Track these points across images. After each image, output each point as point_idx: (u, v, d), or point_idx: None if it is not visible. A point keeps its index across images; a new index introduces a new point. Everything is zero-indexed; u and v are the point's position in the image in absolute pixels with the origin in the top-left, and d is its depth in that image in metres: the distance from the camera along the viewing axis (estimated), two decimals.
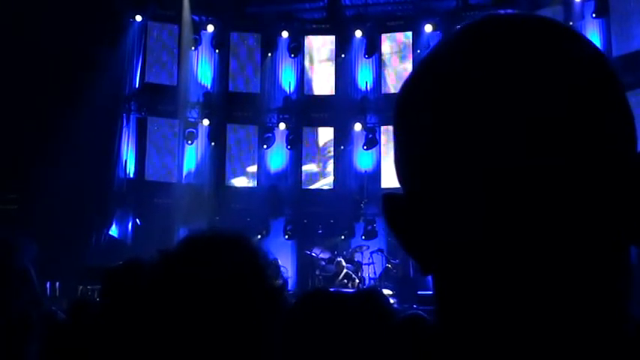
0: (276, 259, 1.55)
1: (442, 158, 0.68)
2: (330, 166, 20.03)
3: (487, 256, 0.66)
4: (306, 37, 20.25)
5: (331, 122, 20.02)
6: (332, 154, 19.98)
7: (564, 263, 0.64)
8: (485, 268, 0.66)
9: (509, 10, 0.73)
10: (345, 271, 14.98)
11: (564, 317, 0.64)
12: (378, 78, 19.90)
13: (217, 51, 19.65)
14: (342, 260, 15.37)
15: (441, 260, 0.71)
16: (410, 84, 0.76)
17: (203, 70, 19.65)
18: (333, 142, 19.97)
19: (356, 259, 16.26)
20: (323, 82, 20.40)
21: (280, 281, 1.49)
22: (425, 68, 0.75)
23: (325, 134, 20.18)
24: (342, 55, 20.03)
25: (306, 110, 19.88)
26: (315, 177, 20.08)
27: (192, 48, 19.21)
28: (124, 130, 18.26)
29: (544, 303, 0.64)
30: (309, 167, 20.05)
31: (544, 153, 0.63)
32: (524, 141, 0.64)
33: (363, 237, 18.07)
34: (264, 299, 1.43)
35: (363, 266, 16.17)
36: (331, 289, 2.16)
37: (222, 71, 19.90)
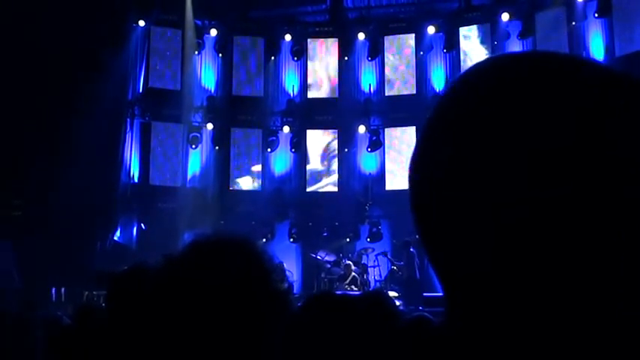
0: (282, 263, 1.56)
1: (456, 195, 0.70)
2: (335, 166, 20.03)
3: (496, 285, 0.68)
4: (309, 40, 20.26)
5: (335, 125, 20.03)
6: (336, 155, 19.97)
7: (569, 290, 0.66)
8: (494, 296, 0.68)
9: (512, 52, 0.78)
10: (353, 274, 14.98)
11: (568, 341, 0.66)
12: (382, 80, 19.91)
13: (220, 55, 19.68)
14: (351, 264, 15.35)
15: (454, 287, 0.74)
16: (426, 130, 0.79)
17: (206, 74, 19.68)
18: (337, 144, 19.97)
19: (362, 262, 16.26)
20: (327, 84, 20.41)
21: (285, 285, 1.49)
22: (435, 117, 0.78)
23: (329, 137, 20.18)
24: (345, 58, 20.04)
25: (310, 113, 19.89)
26: (319, 175, 20.07)
27: (196, 52, 19.24)
28: (127, 134, 18.28)
29: (550, 325, 0.66)
30: (313, 166, 20.05)
31: (548, 184, 0.65)
32: (527, 173, 0.66)
33: (368, 239, 18.07)
34: (270, 303, 1.43)
35: (369, 268, 16.17)
36: (337, 292, 2.17)
37: (225, 75, 19.92)
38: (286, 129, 19.52)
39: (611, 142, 0.66)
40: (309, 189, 19.88)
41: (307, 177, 19.96)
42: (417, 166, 0.77)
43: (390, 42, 20.04)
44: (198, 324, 1.35)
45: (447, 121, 0.75)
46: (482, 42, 18.89)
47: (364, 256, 16.62)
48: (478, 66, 0.77)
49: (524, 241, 0.66)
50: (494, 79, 0.73)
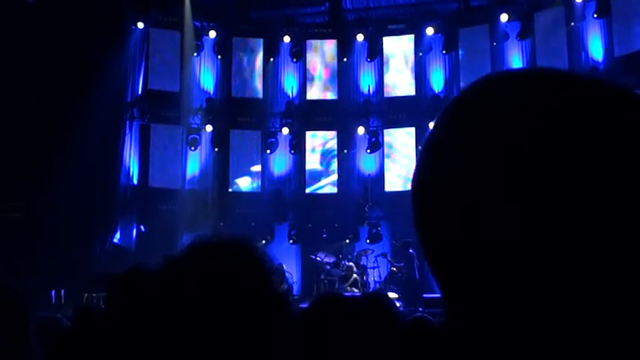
0: (282, 264, 1.55)
1: (460, 206, 0.71)
2: (334, 167, 20.03)
3: (499, 293, 0.68)
4: (308, 42, 20.27)
5: (334, 126, 20.03)
6: (335, 157, 19.98)
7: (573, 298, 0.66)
8: (497, 303, 0.69)
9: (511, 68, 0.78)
10: (354, 275, 14.97)
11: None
12: (381, 81, 19.92)
13: (219, 56, 19.68)
14: (353, 265, 15.35)
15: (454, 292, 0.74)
16: (428, 148, 0.78)
17: (205, 75, 19.67)
18: (336, 145, 19.98)
19: (361, 263, 16.26)
20: (326, 86, 20.42)
21: (285, 286, 1.49)
22: (437, 138, 0.78)
23: (328, 138, 20.18)
24: (345, 59, 20.04)
25: (309, 114, 19.89)
26: (318, 177, 20.07)
27: (195, 54, 19.24)
28: (127, 136, 18.28)
29: (552, 334, 0.67)
30: (312, 167, 20.05)
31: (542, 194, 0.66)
32: (523, 187, 0.67)
33: (368, 240, 18.07)
34: (270, 305, 1.42)
35: (368, 270, 16.16)
36: (338, 294, 2.17)
37: (224, 77, 19.93)
38: (285, 130, 19.51)
39: (612, 159, 0.66)
40: (308, 190, 19.88)
41: (306, 178, 19.96)
42: (422, 180, 0.77)
43: (389, 43, 20.04)
44: (199, 326, 1.35)
45: (448, 145, 0.75)
46: (482, 43, 18.88)
47: (364, 258, 16.62)
48: (480, 83, 0.77)
49: (524, 252, 0.66)
50: (496, 97, 0.73)
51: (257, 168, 19.77)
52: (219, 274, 1.41)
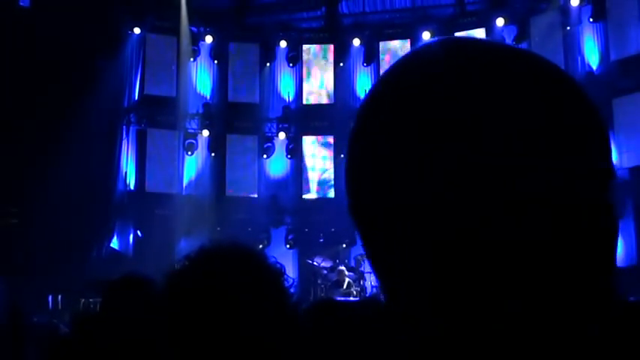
0: (283, 267, 1.56)
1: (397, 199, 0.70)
2: (331, 172, 20.02)
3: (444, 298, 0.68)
4: (304, 47, 20.29)
5: (331, 130, 20.02)
6: (332, 161, 19.97)
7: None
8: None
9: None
10: (347, 280, 14.95)
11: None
12: None
13: (216, 62, 19.69)
14: (345, 269, 15.33)
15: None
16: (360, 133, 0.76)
17: (202, 80, 19.68)
18: (333, 150, 19.97)
19: (359, 268, 16.23)
20: (321, 90, 20.43)
21: (291, 291, 1.51)
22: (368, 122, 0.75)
23: (325, 143, 20.18)
24: (341, 64, 20.06)
25: (306, 119, 19.90)
26: (315, 182, 20.06)
27: (191, 59, 19.24)
28: (123, 142, 18.27)
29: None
30: (309, 172, 20.05)
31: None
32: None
33: None
34: (280, 309, 1.43)
35: (365, 274, 16.13)
36: (336, 299, 2.17)
37: (221, 82, 19.92)
38: (282, 135, 19.52)
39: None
40: (305, 195, 19.88)
41: (303, 183, 19.96)
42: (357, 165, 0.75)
43: (385, 47, 20.07)
44: (206, 332, 1.35)
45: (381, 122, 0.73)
46: None
47: (361, 263, 16.59)
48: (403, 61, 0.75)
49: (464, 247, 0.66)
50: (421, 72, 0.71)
51: (254, 174, 19.75)
52: (230, 280, 1.41)
